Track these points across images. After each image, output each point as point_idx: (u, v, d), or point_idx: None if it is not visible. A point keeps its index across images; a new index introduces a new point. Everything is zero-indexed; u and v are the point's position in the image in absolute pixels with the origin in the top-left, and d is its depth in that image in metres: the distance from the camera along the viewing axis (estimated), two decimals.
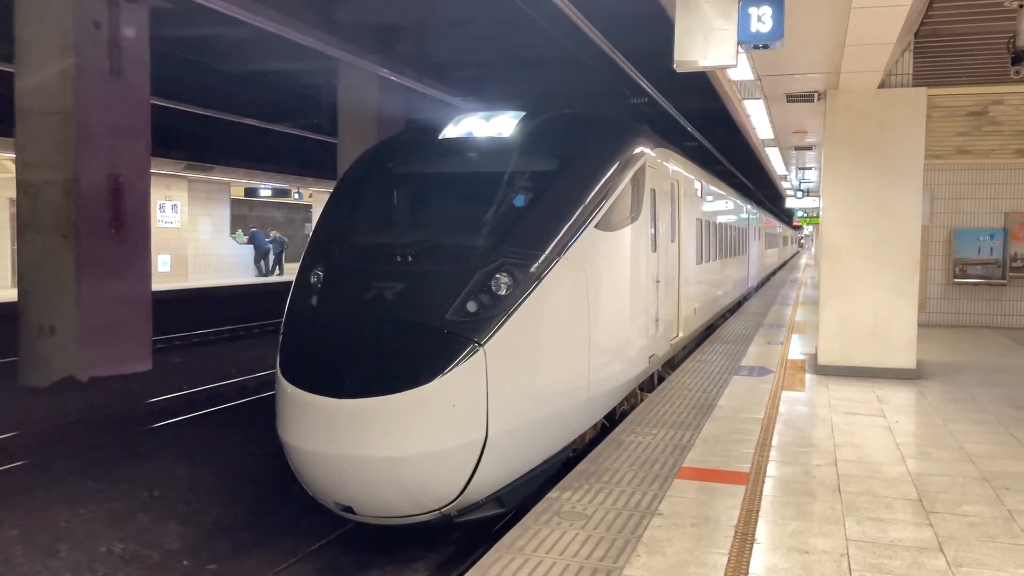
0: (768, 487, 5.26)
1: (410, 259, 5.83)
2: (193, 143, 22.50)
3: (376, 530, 6.04)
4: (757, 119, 12.51)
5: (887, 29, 6.81)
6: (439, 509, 5.29)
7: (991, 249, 13.93)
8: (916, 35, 8.80)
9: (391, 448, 5.02)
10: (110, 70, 12.25)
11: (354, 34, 15.04)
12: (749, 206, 22.35)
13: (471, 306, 5.41)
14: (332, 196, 7.14)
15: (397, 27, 15.97)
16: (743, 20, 5.25)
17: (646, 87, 14.03)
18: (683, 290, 10.08)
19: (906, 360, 9.13)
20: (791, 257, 62.38)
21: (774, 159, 19.79)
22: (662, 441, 6.35)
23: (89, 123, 12.00)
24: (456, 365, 5.13)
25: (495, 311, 5.41)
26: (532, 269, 5.68)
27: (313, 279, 6.09)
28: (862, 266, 9.18)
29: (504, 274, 5.55)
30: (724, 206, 15.66)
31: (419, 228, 6.45)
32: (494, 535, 6.01)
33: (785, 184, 28.62)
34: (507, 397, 5.33)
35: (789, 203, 33.52)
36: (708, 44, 5.31)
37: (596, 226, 6.37)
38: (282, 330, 6.04)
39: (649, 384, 8.85)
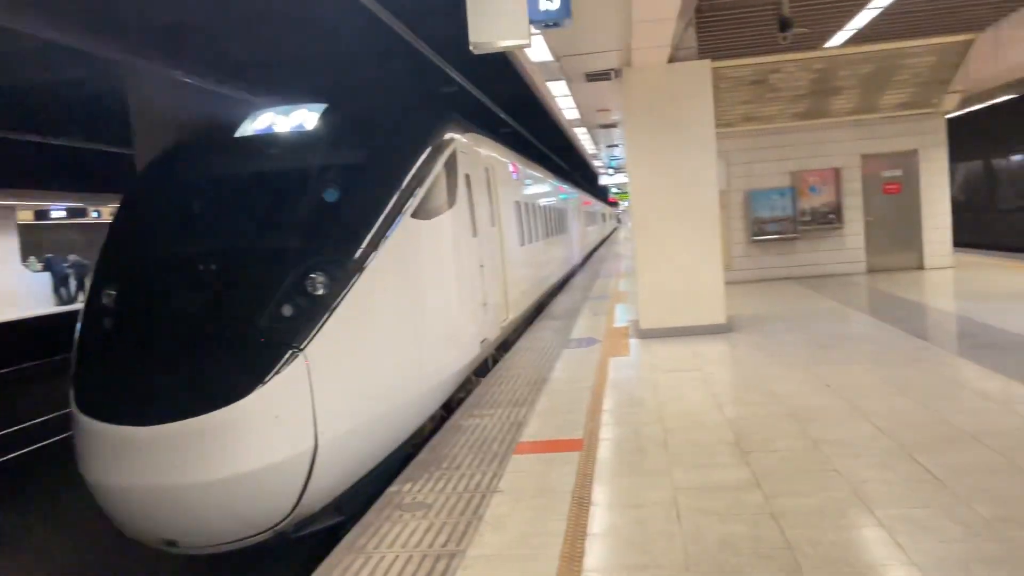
0: (601, 450, 5.45)
1: (214, 267, 5.44)
2: None
3: (210, 560, 5.71)
4: (562, 100, 12.88)
5: (668, 4, 7.17)
6: (273, 527, 4.95)
7: (783, 207, 15.12)
8: (698, 10, 9.35)
9: (213, 471, 4.65)
10: None
11: (141, 37, 14.06)
12: (566, 186, 22.98)
13: (287, 310, 5.12)
14: (120, 208, 6.63)
15: (187, 27, 15.09)
16: None
17: (454, 75, 14.09)
18: (509, 272, 10.14)
19: (717, 316, 9.76)
20: (611, 232, 65.09)
21: (583, 139, 20.51)
22: (499, 420, 6.43)
23: None
24: (275, 374, 4.83)
25: (313, 313, 5.14)
26: (349, 265, 5.45)
27: (105, 300, 5.58)
28: (670, 232, 9.69)
29: (319, 273, 5.27)
30: (541, 188, 15.99)
31: (221, 234, 5.99)
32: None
33: (597, 162, 29.80)
34: (335, 400, 5.08)
35: (603, 180, 34.98)
36: (500, 24, 5.39)
37: (412, 215, 6.23)
38: (73, 360, 5.48)
39: (483, 369, 8.85)
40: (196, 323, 5.19)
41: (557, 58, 9.48)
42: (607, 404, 6.71)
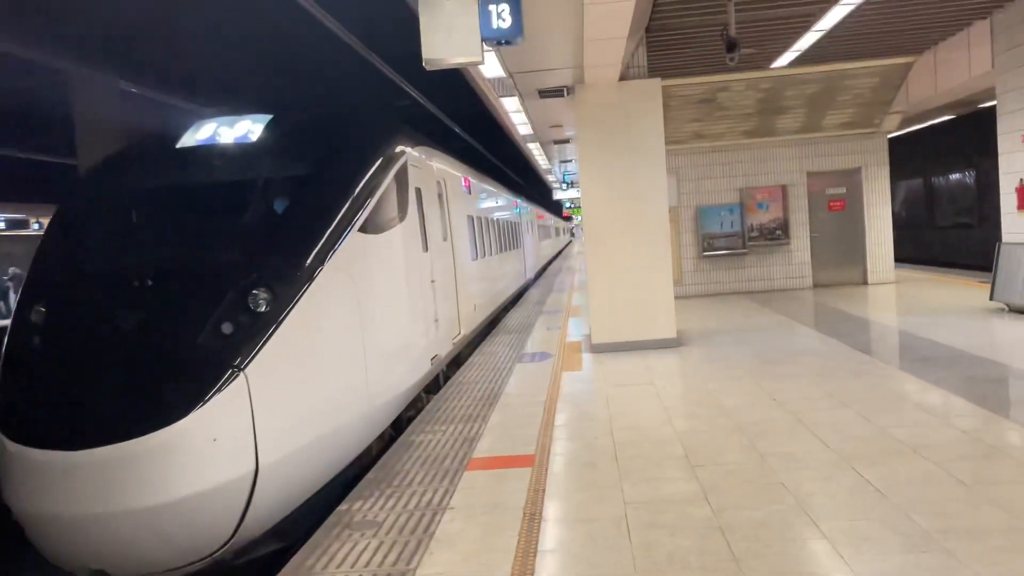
0: (553, 465, 5.46)
1: (150, 283, 5.21)
2: None
3: None
4: (515, 116, 12.96)
5: (618, 24, 7.29)
6: (211, 555, 4.73)
7: (732, 223, 15.41)
8: (648, 30, 9.52)
9: (145, 497, 4.42)
10: None
11: (85, 46, 13.79)
12: (520, 200, 23.01)
13: (226, 328, 4.91)
14: (53, 220, 6.36)
15: (135, 37, 14.85)
16: (484, 17, 5.40)
17: (408, 89, 14.09)
18: (461, 287, 10.04)
19: (668, 330, 9.88)
20: (564, 246, 65.50)
21: (537, 154, 20.65)
22: (451, 436, 6.40)
23: None
24: (213, 394, 4.62)
25: (254, 330, 4.94)
26: (293, 281, 5.26)
27: (34, 316, 5.33)
28: (621, 247, 9.80)
29: (261, 289, 5.07)
30: (495, 202, 15.99)
31: (158, 248, 5.76)
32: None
33: (551, 177, 30.00)
34: (277, 421, 4.90)
35: (557, 195, 35.22)
36: (453, 41, 5.41)
37: (360, 230, 6.07)
38: None
39: (435, 385, 8.75)
40: (129, 341, 4.95)
41: (510, 75, 9.56)
42: (560, 419, 6.74)
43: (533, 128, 14.71)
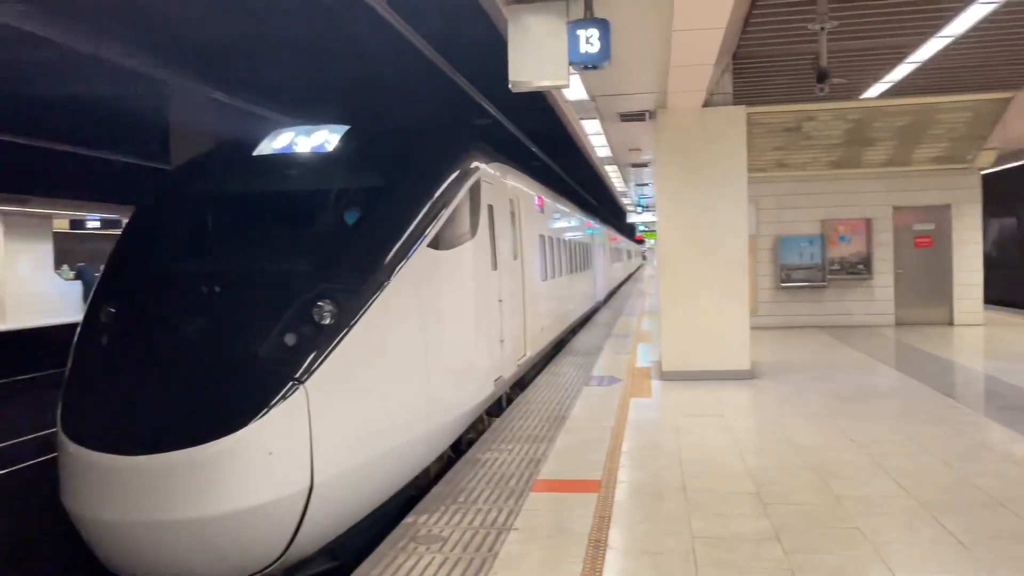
0: (619, 493, 5.40)
1: (218, 289, 5.18)
2: (4, 174, 20.75)
3: None
4: (595, 138, 12.97)
5: (706, 51, 7.23)
6: (261, 571, 4.65)
7: (811, 254, 15.04)
8: (734, 56, 9.41)
9: (198, 508, 4.33)
10: None
11: (182, 56, 14.38)
12: (593, 222, 22.71)
13: (289, 339, 4.83)
14: (130, 222, 6.42)
15: (226, 48, 15.43)
16: (572, 42, 5.43)
17: (489, 108, 14.25)
18: (529, 307, 9.85)
19: (741, 362, 9.68)
20: (636, 270, 65.04)
21: (614, 176, 20.59)
22: (517, 456, 6.40)
23: None
24: (272, 407, 4.53)
25: (317, 343, 4.84)
26: (359, 294, 5.17)
27: (104, 317, 5.34)
28: (697, 275, 9.66)
29: (326, 301, 4.98)
30: (568, 222, 15.83)
31: (229, 254, 5.74)
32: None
33: (626, 200, 29.86)
34: (334, 438, 4.80)
35: (631, 218, 35.01)
36: (540, 65, 5.47)
37: (429, 245, 5.94)
38: (66, 378, 5.19)
39: (497, 408, 8.57)
40: (192, 348, 4.92)
41: (592, 97, 9.57)
42: (627, 446, 6.66)
43: (612, 151, 14.69)
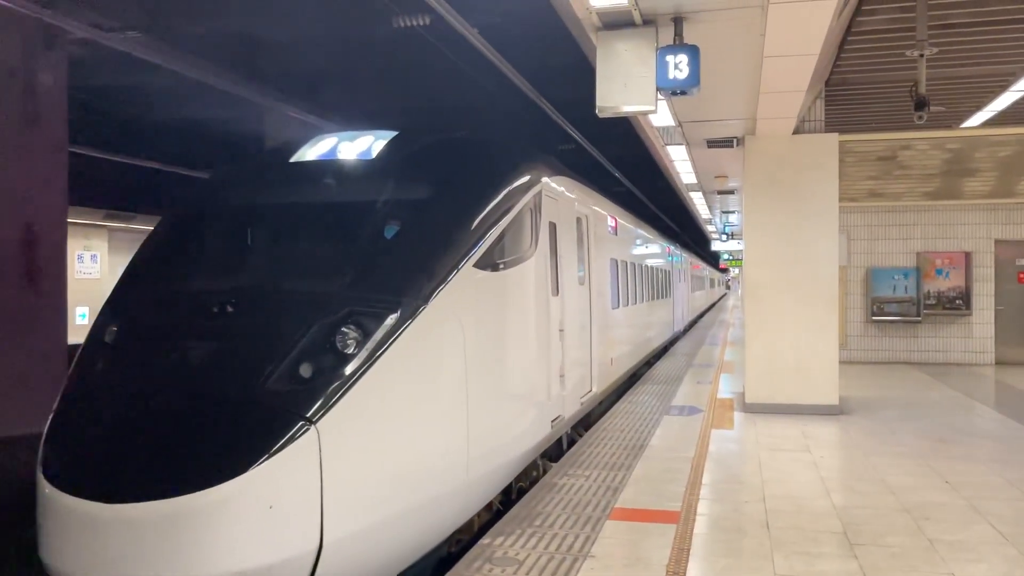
0: (699, 525, 5.28)
1: (231, 310, 4.57)
2: (113, 192, 21.93)
3: None
4: (680, 164, 12.87)
5: (798, 77, 7.11)
6: None
7: (905, 288, 14.51)
8: (827, 83, 9.23)
9: (178, 570, 3.67)
10: (25, 119, 11.90)
11: (279, 81, 14.96)
12: (673, 247, 21.92)
13: (305, 369, 4.18)
14: (152, 233, 5.86)
15: (322, 74, 15.99)
16: (661, 67, 5.43)
17: (573, 134, 14.33)
18: (596, 338, 8.99)
19: (829, 396, 9.37)
20: (719, 299, 63.88)
21: (698, 203, 20.35)
22: (594, 483, 6.34)
23: (2, 173, 11.58)
24: (275, 451, 3.84)
25: (337, 375, 4.19)
26: (389, 319, 4.50)
27: (107, 337, 4.80)
28: (784, 306, 9.43)
29: (351, 327, 4.35)
30: (645, 246, 15.17)
31: (250, 270, 5.18)
32: None
33: (710, 227, 29.44)
34: (351, 490, 4.11)
35: (715, 246, 34.49)
36: (628, 90, 5.48)
37: (476, 265, 5.25)
38: (55, 406, 4.62)
39: (557, 449, 7.68)
40: (191, 378, 4.32)
41: (679, 123, 9.52)
42: (707, 478, 6.52)
43: (697, 177, 14.53)
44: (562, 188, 7.69)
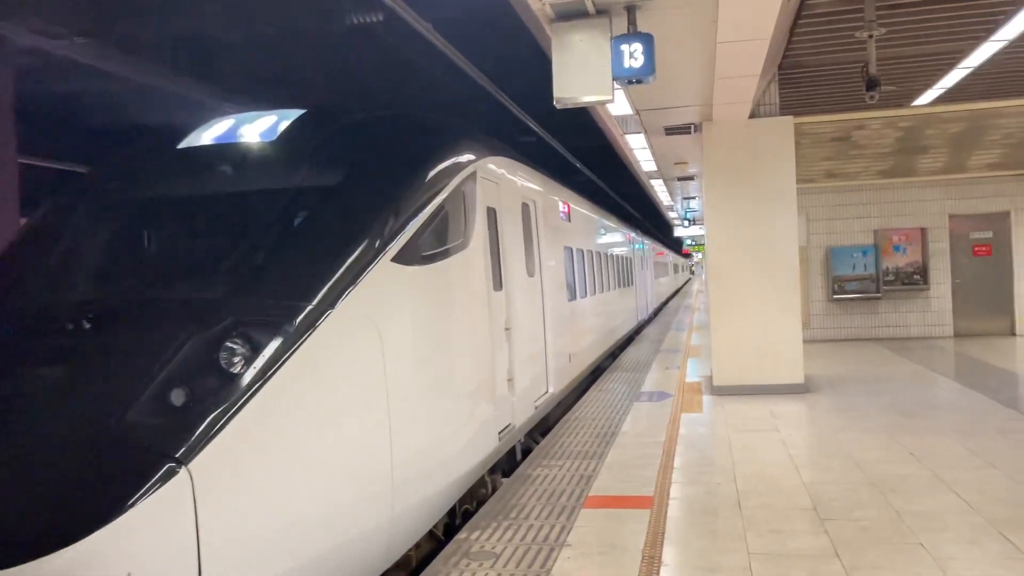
0: (673, 509, 5.34)
1: (88, 326, 3.78)
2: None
3: None
4: (640, 152, 12.94)
5: (751, 62, 7.19)
6: None
7: (864, 265, 14.76)
8: (780, 67, 9.33)
9: None
10: None
11: (233, 83, 14.75)
12: (634, 234, 21.59)
13: (177, 396, 3.39)
14: (13, 240, 5.15)
15: (276, 77, 15.79)
16: (616, 57, 5.44)
17: (533, 126, 14.33)
18: (551, 334, 8.37)
19: (795, 375, 9.52)
20: (684, 284, 64.44)
21: (660, 190, 20.49)
22: (568, 472, 6.37)
23: None
24: (133, 503, 3.03)
25: (217, 402, 3.39)
26: (285, 329, 3.74)
27: None
28: (747, 288, 9.55)
29: (237, 340, 3.58)
30: (604, 233, 14.69)
31: (118, 277, 4.41)
32: None
33: (672, 214, 29.68)
34: (235, 546, 3.30)
35: (678, 232, 34.77)
36: (585, 81, 5.48)
37: (395, 259, 4.52)
38: None
39: (509, 460, 6.99)
40: (36, 411, 3.45)
41: (636, 112, 9.56)
42: (679, 461, 6.59)
43: (657, 164, 14.62)
44: (503, 170, 6.97)
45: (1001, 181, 14.27)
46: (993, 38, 8.17)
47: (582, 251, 11.36)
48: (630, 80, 5.52)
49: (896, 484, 5.66)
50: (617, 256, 16.26)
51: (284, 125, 5.16)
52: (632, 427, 8.01)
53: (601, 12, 5.55)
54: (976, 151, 13.59)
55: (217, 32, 12.85)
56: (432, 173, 5.21)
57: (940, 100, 11.39)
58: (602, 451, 7.02)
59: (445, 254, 5.22)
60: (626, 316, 17.17)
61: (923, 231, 14.56)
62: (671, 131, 10.60)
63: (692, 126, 10.28)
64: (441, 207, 5.18)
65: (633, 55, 5.44)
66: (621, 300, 16.43)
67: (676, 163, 14.42)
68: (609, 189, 25.78)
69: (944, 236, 14.58)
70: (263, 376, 3.57)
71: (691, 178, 16.78)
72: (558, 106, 5.70)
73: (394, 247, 4.53)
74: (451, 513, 5.60)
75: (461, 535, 5.01)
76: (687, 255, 65.05)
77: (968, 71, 9.57)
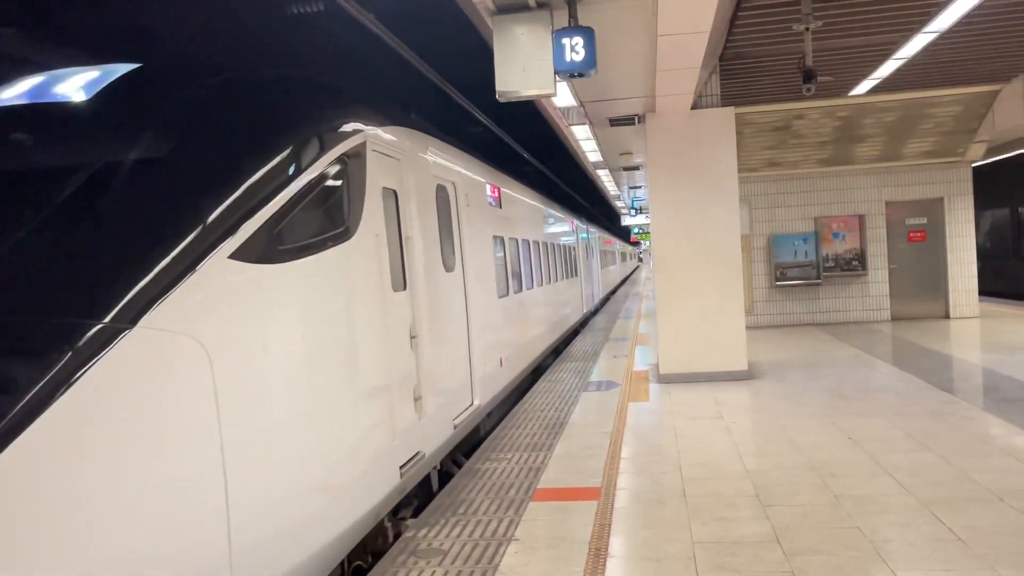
0: (619, 499, 5.40)
1: None
2: None
3: None
4: (585, 143, 12.99)
5: (692, 54, 7.25)
6: None
7: (805, 252, 15.07)
8: (721, 58, 9.45)
9: None
10: None
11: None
12: (579, 222, 20.75)
13: None
14: None
15: (216, 68, 15.44)
16: (558, 50, 5.44)
17: (480, 117, 14.28)
18: (476, 337, 7.36)
19: (738, 362, 9.69)
20: (632, 271, 65.10)
21: (606, 180, 20.63)
22: (516, 465, 6.39)
23: None
24: None
25: None
26: (59, 356, 2.76)
27: None
28: (691, 276, 9.68)
29: (3, 357, 2.79)
30: (544, 220, 13.70)
31: None
32: None
33: (619, 203, 29.92)
34: None
35: (625, 221, 35.08)
36: (527, 74, 5.48)
37: (235, 255, 3.48)
38: None
39: (425, 491, 6.05)
40: None
41: (581, 103, 9.59)
42: (626, 451, 6.66)
43: (602, 155, 14.71)
44: (408, 143, 5.81)
45: (935, 168, 14.69)
46: (925, 29, 8.39)
47: (516, 241, 10.36)
48: (572, 74, 5.54)
49: (836, 468, 5.80)
50: (560, 246, 15.74)
51: (110, 83, 4.09)
52: (581, 418, 8.07)
53: (542, 5, 5.55)
54: (911, 139, 13.98)
55: (155, 23, 12.56)
56: (294, 144, 4.09)
57: (876, 90, 11.68)
58: (551, 443, 7.06)
59: (316, 247, 4.11)
60: (571, 308, 16.64)
61: (861, 218, 14.91)
62: (615, 122, 10.67)
63: (636, 117, 10.36)
64: (310, 187, 4.07)
65: (575, 48, 5.45)
66: (566, 291, 15.98)
67: (621, 153, 14.53)
68: (557, 179, 25.87)
69: (881, 223, 14.97)
70: (23, 420, 2.57)
71: (637, 168, 16.93)
72: (501, 99, 5.69)
73: (234, 240, 3.47)
74: (342, 565, 4.59)
75: (408, 533, 4.99)
76: (635, 243, 65.70)
77: (902, 62, 9.81)
